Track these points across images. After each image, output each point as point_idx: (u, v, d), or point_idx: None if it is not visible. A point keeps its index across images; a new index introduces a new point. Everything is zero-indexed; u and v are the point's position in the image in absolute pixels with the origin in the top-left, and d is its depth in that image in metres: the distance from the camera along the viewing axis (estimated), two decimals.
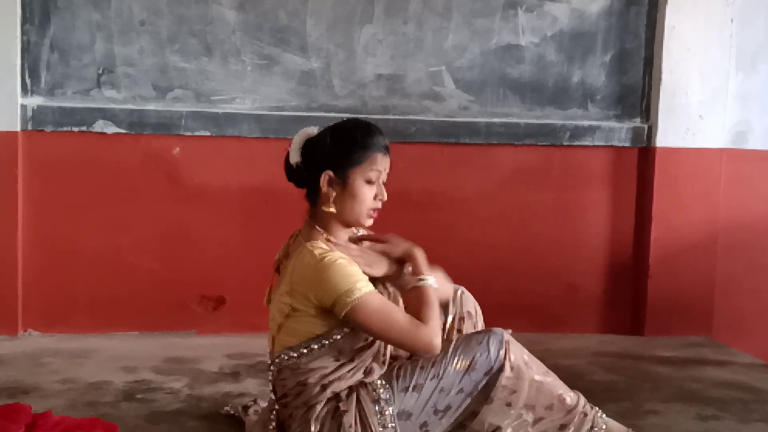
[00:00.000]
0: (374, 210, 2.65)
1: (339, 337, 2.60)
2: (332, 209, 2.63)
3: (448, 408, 2.61)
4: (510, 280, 4.22)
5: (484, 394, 2.61)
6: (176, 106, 4.24)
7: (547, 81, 4.51)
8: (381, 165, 2.63)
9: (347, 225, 2.68)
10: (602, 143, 4.53)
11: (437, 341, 2.54)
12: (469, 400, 2.61)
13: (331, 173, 2.62)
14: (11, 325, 4.17)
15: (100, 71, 4.20)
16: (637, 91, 4.57)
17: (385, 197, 2.65)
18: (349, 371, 2.61)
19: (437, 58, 4.41)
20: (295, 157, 2.73)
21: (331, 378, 2.60)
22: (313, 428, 2.58)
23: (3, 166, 4.10)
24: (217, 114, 4.25)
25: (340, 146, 2.65)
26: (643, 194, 4.56)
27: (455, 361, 2.61)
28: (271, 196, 4.30)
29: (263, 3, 4.27)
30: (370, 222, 2.68)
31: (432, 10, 4.38)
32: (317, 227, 2.68)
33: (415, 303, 2.59)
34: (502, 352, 2.61)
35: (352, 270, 2.53)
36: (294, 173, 2.76)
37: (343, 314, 2.50)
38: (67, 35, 4.16)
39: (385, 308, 2.53)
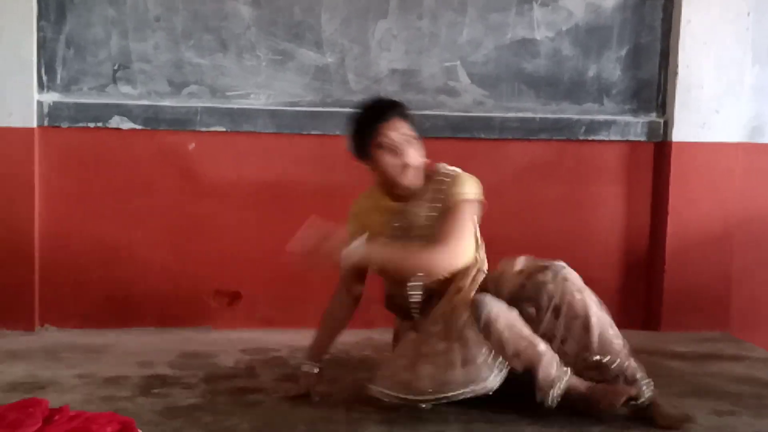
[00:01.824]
0: (403, 167, 3.12)
1: None
2: (378, 178, 3.21)
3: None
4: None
5: None
6: (191, 102, 4.25)
7: (562, 75, 4.50)
8: (385, 130, 3.11)
9: (393, 185, 3.18)
10: (618, 138, 4.52)
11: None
12: None
13: (358, 157, 3.21)
14: (28, 320, 4.19)
15: (116, 67, 4.22)
16: (653, 85, 4.56)
17: (409, 156, 3.11)
18: None
19: (452, 53, 4.41)
20: (348, 143, 3.27)
21: None
22: None
23: (20, 161, 4.13)
24: (231, 109, 4.26)
25: (353, 130, 3.20)
26: (659, 189, 4.55)
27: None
28: (285, 191, 4.31)
29: None
30: (407, 179, 3.14)
31: (447, 5, 4.38)
32: (377, 182, 3.27)
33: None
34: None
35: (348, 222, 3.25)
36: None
37: None
38: (83, 31, 4.18)
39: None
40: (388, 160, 3.12)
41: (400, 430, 2.94)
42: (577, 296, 3.03)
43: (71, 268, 4.23)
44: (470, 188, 3.18)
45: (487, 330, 2.93)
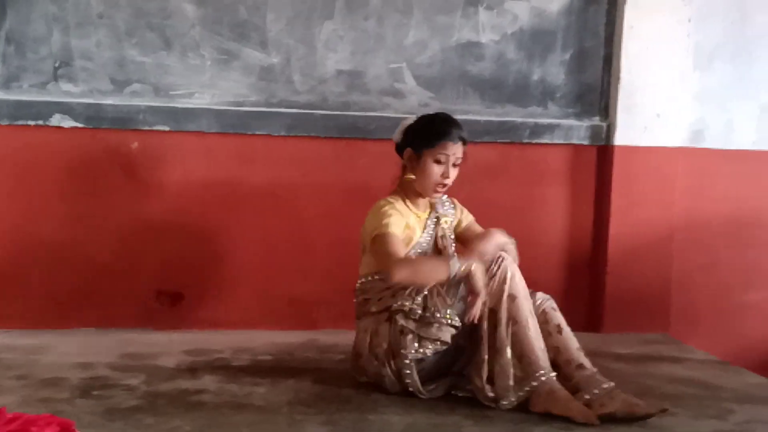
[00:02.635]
0: (440, 185, 3.38)
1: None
2: (412, 176, 3.39)
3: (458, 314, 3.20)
4: None
5: None
6: (134, 101, 4.20)
7: (507, 79, 4.52)
8: (450, 150, 3.35)
9: (419, 194, 3.43)
10: (562, 141, 4.56)
11: (395, 271, 3.15)
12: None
13: (411, 151, 3.40)
14: None
15: (57, 64, 4.16)
16: (596, 89, 4.61)
17: (451, 177, 3.38)
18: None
19: (398, 55, 4.41)
20: (396, 137, 3.50)
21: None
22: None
23: None
24: (175, 109, 4.22)
25: (421, 131, 3.42)
26: (602, 192, 4.60)
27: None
28: (230, 191, 4.29)
29: None
30: (437, 196, 3.44)
31: (393, 7, 4.38)
32: (398, 188, 3.46)
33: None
34: (493, 266, 3.21)
35: (391, 214, 3.30)
36: (396, 149, 3.51)
37: (371, 242, 3.31)
38: (24, 28, 4.11)
39: (388, 241, 3.24)
40: (434, 172, 3.36)
41: (344, 430, 2.93)
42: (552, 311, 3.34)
43: (10, 268, 4.16)
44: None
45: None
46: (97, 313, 4.24)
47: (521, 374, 3.11)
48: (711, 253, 4.76)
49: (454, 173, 3.39)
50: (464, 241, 3.58)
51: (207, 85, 4.27)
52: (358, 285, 3.45)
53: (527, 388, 3.09)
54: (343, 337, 3.57)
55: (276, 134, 4.28)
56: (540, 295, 3.35)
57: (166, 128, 4.21)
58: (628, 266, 4.56)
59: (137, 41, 4.20)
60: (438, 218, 3.51)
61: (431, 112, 3.56)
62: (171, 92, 4.25)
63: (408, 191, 3.45)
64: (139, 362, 3.70)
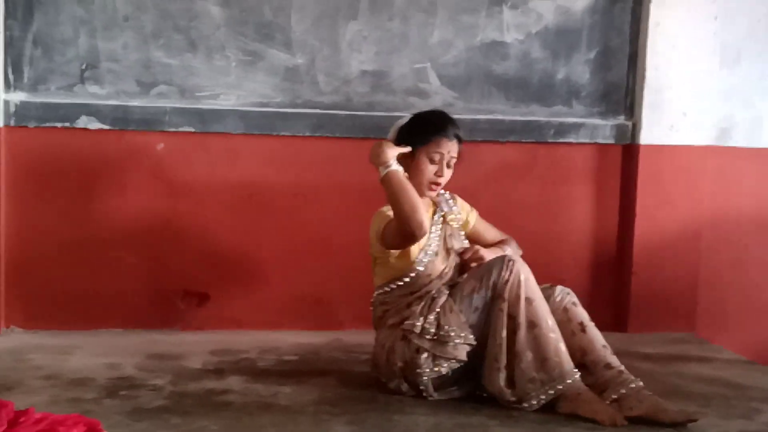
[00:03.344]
0: (434, 184, 3.34)
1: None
2: (407, 175, 3.24)
3: (472, 325, 3.19)
4: None
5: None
6: (160, 102, 4.22)
7: (531, 78, 4.51)
8: (444, 148, 3.32)
9: (420, 195, 3.26)
10: (587, 140, 4.54)
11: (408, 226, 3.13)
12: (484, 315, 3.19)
13: (402, 143, 3.32)
14: None
15: (84, 67, 4.18)
16: (622, 88, 4.58)
17: (445, 176, 3.34)
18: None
19: (422, 55, 4.41)
20: (390, 135, 3.43)
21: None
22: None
23: None
24: (201, 110, 4.23)
25: (415, 127, 3.38)
26: (628, 191, 4.57)
27: (467, 285, 3.23)
28: (255, 191, 4.30)
29: None
30: (431, 194, 3.39)
31: (417, 6, 4.38)
32: None
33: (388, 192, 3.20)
34: (505, 272, 3.14)
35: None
36: None
37: (379, 235, 3.29)
38: (51, 30, 4.14)
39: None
40: (428, 170, 3.33)
41: (370, 430, 2.94)
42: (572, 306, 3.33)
43: (38, 270, 4.19)
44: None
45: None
46: (123, 314, 4.26)
47: (545, 377, 3.08)
48: (738, 252, 4.73)
49: (448, 172, 3.36)
50: (477, 243, 3.55)
51: (232, 86, 4.28)
52: (374, 297, 3.44)
53: (551, 391, 3.08)
54: (368, 338, 3.57)
55: (301, 135, 4.29)
56: (559, 289, 3.32)
57: (192, 129, 4.23)
58: (654, 265, 4.53)
59: (163, 43, 4.22)
60: (444, 216, 3.48)
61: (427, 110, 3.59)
62: (197, 93, 4.27)
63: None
64: (166, 362, 3.72)
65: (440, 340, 3.16)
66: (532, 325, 3.11)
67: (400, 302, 3.32)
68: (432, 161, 3.32)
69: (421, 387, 3.22)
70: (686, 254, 4.58)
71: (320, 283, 4.36)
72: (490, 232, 3.66)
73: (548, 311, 3.17)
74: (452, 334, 3.14)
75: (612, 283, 4.62)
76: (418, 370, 3.19)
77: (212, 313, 4.32)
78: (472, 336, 3.16)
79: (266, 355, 3.89)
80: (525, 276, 3.15)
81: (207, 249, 4.30)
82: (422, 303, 3.24)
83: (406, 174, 3.25)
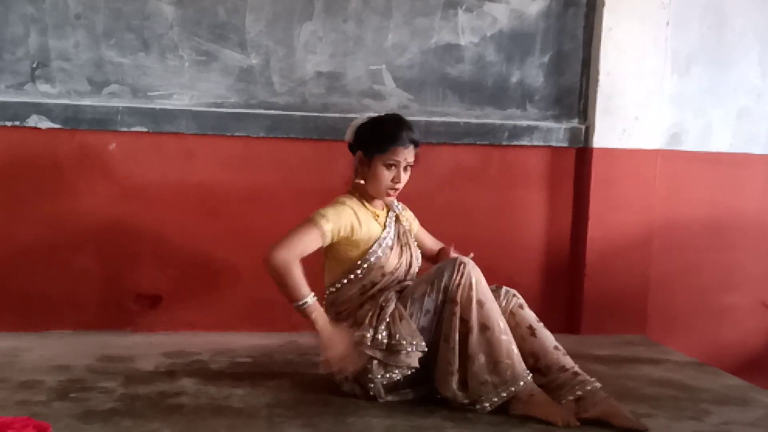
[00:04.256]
0: (391, 190, 3.35)
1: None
2: (361, 181, 3.37)
3: (423, 328, 3.19)
4: None
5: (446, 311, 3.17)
6: (112, 102, 4.18)
7: (486, 81, 4.53)
8: (401, 156, 3.32)
9: (371, 196, 3.39)
10: (540, 143, 4.57)
11: (273, 256, 3.25)
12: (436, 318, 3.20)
13: (361, 154, 3.36)
14: None
15: (35, 65, 4.13)
16: (575, 92, 4.62)
17: (402, 182, 3.35)
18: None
19: (377, 57, 4.41)
20: (348, 136, 3.46)
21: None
22: None
23: None
24: (154, 110, 4.20)
25: (371, 134, 3.37)
26: (580, 194, 4.61)
27: (418, 289, 3.22)
28: (208, 192, 4.27)
29: None
30: (389, 199, 3.43)
31: (372, 9, 4.38)
32: (352, 189, 3.43)
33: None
34: (456, 275, 3.14)
35: (337, 210, 3.30)
36: (349, 149, 3.46)
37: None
38: (1, 29, 4.08)
39: (302, 231, 3.28)
40: (384, 177, 3.34)
41: None
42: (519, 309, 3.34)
43: None
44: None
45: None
46: (74, 316, 4.21)
47: (497, 379, 3.09)
48: (689, 256, 4.79)
49: (405, 177, 3.37)
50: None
51: (186, 87, 4.25)
52: (325, 297, 3.42)
53: (504, 394, 3.09)
54: None
55: (255, 136, 4.27)
56: (504, 291, 3.34)
57: (145, 129, 4.19)
58: (607, 268, 4.57)
59: (115, 42, 4.18)
60: (397, 216, 3.50)
61: (381, 114, 3.57)
62: (149, 93, 4.23)
63: (363, 191, 3.41)
64: (117, 364, 3.68)
65: (392, 349, 3.14)
66: (484, 327, 3.11)
67: (352, 302, 3.33)
68: (389, 168, 3.32)
69: (371, 392, 3.21)
70: (638, 257, 4.63)
71: (275, 285, 4.33)
72: (429, 240, 3.71)
73: (500, 314, 3.17)
74: (404, 342, 3.13)
75: (565, 286, 4.65)
76: (370, 376, 3.18)
77: (165, 315, 4.29)
78: (423, 343, 3.15)
79: (219, 357, 3.86)
80: (476, 278, 3.15)
81: (160, 250, 4.26)
82: (371, 311, 3.22)
83: (362, 182, 3.36)
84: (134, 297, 4.27)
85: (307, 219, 3.27)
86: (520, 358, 3.14)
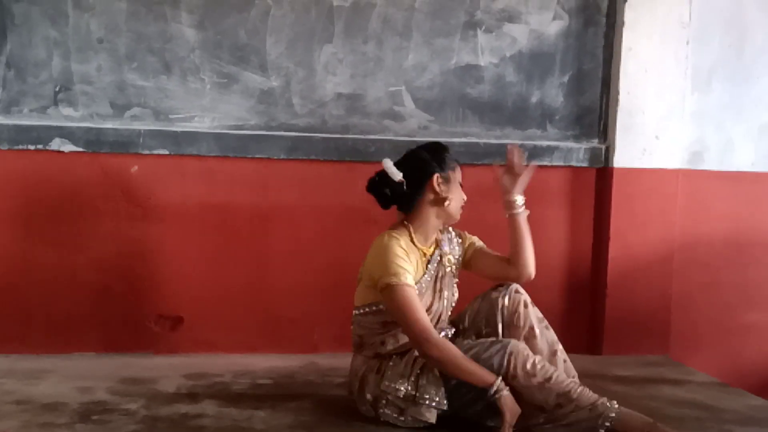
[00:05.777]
0: (462, 205, 3.37)
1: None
2: (449, 202, 3.31)
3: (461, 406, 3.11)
4: (469, 298, 4.23)
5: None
6: (134, 125, 4.21)
7: (506, 101, 4.54)
8: (461, 174, 3.37)
9: (446, 220, 3.38)
10: (561, 163, 4.56)
11: (427, 348, 3.04)
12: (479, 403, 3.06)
13: (438, 175, 3.28)
14: None
15: (57, 89, 4.17)
16: (595, 111, 4.62)
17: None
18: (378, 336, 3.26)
19: (397, 78, 4.42)
20: (397, 175, 3.28)
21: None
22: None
23: None
24: (175, 132, 4.22)
25: (438, 156, 3.33)
26: (601, 214, 4.60)
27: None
28: (229, 214, 4.29)
29: (223, 21, 4.26)
30: (459, 216, 3.39)
31: (392, 30, 4.40)
32: (405, 222, 3.31)
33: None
34: (504, 364, 3.02)
35: (401, 257, 3.14)
36: (388, 194, 3.31)
37: (380, 288, 3.13)
38: (24, 52, 4.12)
39: (408, 303, 3.08)
40: (461, 194, 3.38)
41: None
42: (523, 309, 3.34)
43: (9, 292, 4.15)
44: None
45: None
46: (96, 338, 4.23)
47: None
48: (711, 274, 4.76)
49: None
50: (479, 266, 3.52)
51: (207, 109, 4.28)
52: (353, 316, 3.35)
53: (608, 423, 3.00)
54: (343, 361, 3.56)
55: (276, 157, 4.28)
56: (507, 289, 3.41)
57: (166, 152, 4.21)
58: (628, 288, 4.55)
59: (137, 65, 4.21)
60: (441, 257, 3.40)
61: (425, 142, 3.49)
62: (171, 116, 4.26)
63: (415, 225, 3.31)
64: (139, 386, 3.69)
65: (415, 401, 3.11)
66: (562, 397, 3.02)
67: (373, 333, 3.27)
68: (461, 185, 3.38)
69: (382, 419, 3.20)
70: (659, 276, 4.60)
71: (295, 306, 4.35)
72: (492, 258, 3.56)
73: (563, 371, 3.19)
74: (426, 397, 3.09)
75: (586, 306, 4.63)
76: (387, 411, 3.17)
77: (186, 336, 4.30)
78: (446, 402, 3.08)
79: (240, 378, 3.87)
80: (528, 361, 3.06)
81: (181, 272, 4.27)
82: (404, 361, 3.18)
83: (449, 200, 3.32)
84: (155, 318, 4.28)
85: (390, 289, 3.12)
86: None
